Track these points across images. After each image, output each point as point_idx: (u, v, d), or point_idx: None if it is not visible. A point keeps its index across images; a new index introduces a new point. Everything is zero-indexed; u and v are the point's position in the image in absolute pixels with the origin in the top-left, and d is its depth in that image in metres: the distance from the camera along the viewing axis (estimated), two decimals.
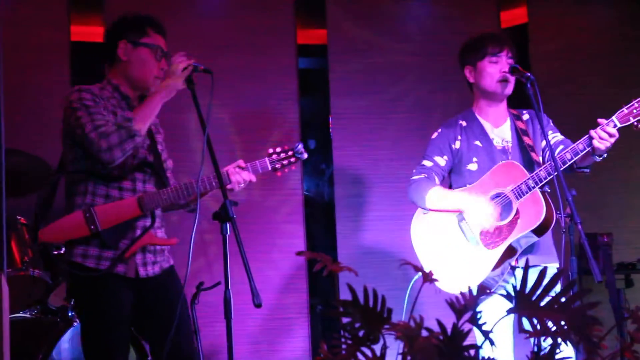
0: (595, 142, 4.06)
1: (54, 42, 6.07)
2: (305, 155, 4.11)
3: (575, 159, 4.11)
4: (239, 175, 3.94)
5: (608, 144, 4.07)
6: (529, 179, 4.11)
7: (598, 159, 4.17)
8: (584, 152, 4.09)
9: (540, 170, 4.11)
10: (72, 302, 4.93)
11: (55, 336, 4.78)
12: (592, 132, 4.08)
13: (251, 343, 6.08)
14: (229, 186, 3.92)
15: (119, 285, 3.75)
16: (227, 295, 3.36)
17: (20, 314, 5.06)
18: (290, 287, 6.23)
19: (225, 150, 5.98)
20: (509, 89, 4.33)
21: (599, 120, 4.10)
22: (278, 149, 4.06)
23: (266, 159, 4.03)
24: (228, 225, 3.40)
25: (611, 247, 5.69)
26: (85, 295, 3.77)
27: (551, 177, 4.04)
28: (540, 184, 4.10)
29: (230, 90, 6.15)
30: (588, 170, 4.27)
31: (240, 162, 3.98)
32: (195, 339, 5.00)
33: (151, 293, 3.81)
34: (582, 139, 4.11)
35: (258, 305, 3.29)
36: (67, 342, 4.77)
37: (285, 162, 4.06)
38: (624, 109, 4.09)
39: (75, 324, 4.80)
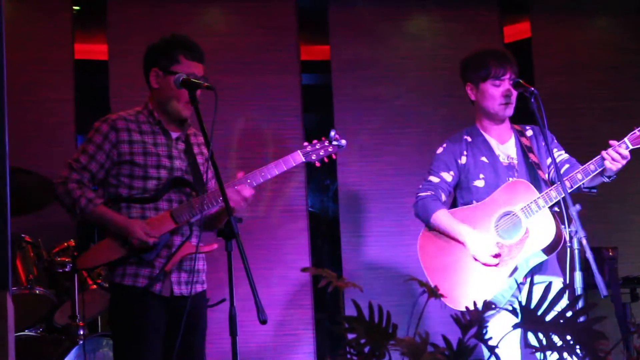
0: (607, 163, 4.06)
1: (58, 60, 6.09)
2: (343, 142, 4.06)
3: (586, 179, 4.10)
4: (236, 196, 3.81)
5: (619, 165, 4.07)
6: (539, 198, 4.09)
7: (607, 180, 4.16)
8: (596, 172, 4.08)
9: (551, 189, 4.09)
10: (78, 319, 4.94)
11: (60, 354, 4.78)
12: (604, 153, 4.07)
13: (257, 359, 6.06)
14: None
15: (155, 303, 3.79)
16: (232, 312, 3.36)
17: (26, 332, 5.07)
18: (296, 303, 6.22)
19: (229, 166, 6.00)
20: (510, 111, 4.32)
21: (611, 141, 4.09)
22: (314, 141, 4.04)
23: (298, 151, 3.99)
24: (233, 241, 3.40)
25: (617, 261, 5.67)
26: (122, 312, 3.82)
27: (561, 197, 4.02)
28: (551, 204, 4.09)
29: (234, 107, 6.16)
30: (595, 191, 4.25)
31: (239, 174, 3.92)
32: None
33: (180, 314, 3.80)
34: (593, 160, 4.10)
35: (263, 322, 3.28)
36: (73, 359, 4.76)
37: (321, 152, 4.02)
38: (635, 131, 4.08)
39: (80, 341, 4.80)
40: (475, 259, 4.16)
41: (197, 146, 4.02)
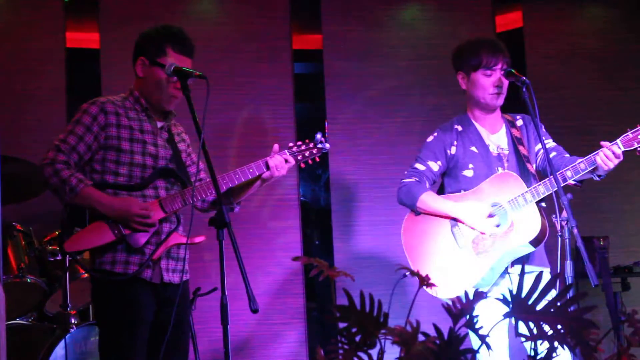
0: (599, 160, 4.03)
1: (50, 48, 6.07)
2: (327, 146, 4.08)
3: (576, 176, 4.08)
4: (274, 160, 3.94)
5: (611, 165, 4.04)
6: (526, 192, 4.09)
7: (597, 178, 4.15)
8: (586, 171, 4.07)
9: (539, 184, 4.08)
10: (69, 308, 4.93)
11: (52, 343, 4.78)
12: (599, 152, 4.05)
13: (248, 348, 6.07)
14: (266, 174, 3.95)
15: (145, 290, 3.77)
16: (224, 301, 3.35)
17: (17, 321, 5.07)
18: (287, 292, 6.23)
19: (220, 155, 5.99)
20: (501, 101, 4.32)
21: (602, 143, 4.06)
22: (299, 143, 4.07)
23: (286, 151, 4.02)
24: (224, 231, 3.39)
25: (607, 251, 5.68)
26: (113, 299, 3.77)
27: (549, 192, 4.02)
28: (538, 198, 4.09)
29: (226, 95, 6.15)
30: (580, 185, 4.22)
31: (275, 147, 3.99)
32: (192, 345, 5.00)
33: (167, 302, 3.81)
34: (585, 158, 4.08)
35: (255, 311, 3.28)
36: (64, 348, 4.76)
37: (307, 153, 4.05)
38: (629, 133, 4.06)
39: (72, 330, 4.80)
40: (472, 229, 4.16)
41: (177, 136, 4.04)
